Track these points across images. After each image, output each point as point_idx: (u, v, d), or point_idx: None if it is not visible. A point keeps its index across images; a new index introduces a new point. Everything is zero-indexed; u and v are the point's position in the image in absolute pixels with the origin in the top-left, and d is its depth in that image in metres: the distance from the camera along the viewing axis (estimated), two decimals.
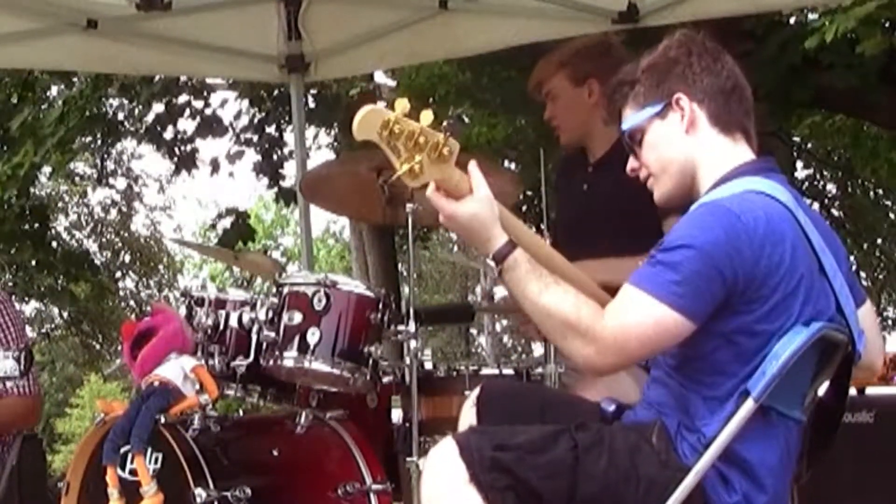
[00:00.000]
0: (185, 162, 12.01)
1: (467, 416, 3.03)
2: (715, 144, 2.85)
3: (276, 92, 10.69)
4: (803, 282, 2.70)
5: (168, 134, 11.85)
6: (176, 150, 11.93)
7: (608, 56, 4.26)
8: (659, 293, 2.61)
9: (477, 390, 3.08)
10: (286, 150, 12.07)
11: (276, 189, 11.95)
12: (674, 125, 2.87)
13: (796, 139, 11.78)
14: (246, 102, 11.74)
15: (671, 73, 2.87)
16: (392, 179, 2.62)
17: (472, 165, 2.80)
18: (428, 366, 3.84)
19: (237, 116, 11.96)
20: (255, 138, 11.94)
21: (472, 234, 2.77)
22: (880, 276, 18.25)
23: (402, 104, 2.63)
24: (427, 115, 2.65)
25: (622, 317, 2.64)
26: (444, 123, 2.69)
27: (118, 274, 25.27)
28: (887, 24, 7.69)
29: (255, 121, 11.90)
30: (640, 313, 2.62)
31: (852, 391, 4.74)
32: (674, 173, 2.90)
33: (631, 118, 2.93)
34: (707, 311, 2.63)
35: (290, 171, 11.86)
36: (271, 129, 11.93)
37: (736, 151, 2.86)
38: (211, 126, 11.54)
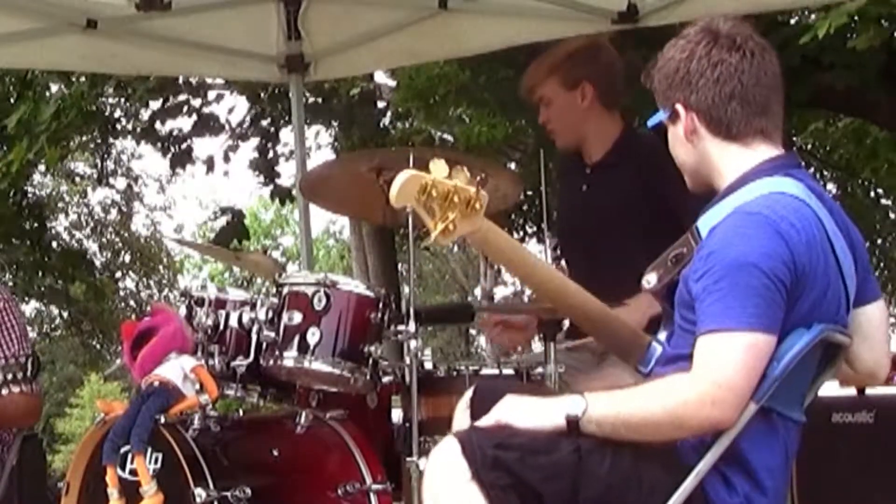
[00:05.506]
0: (180, 159, 11.99)
1: (461, 419, 3.01)
2: (721, 153, 2.82)
3: (273, 90, 10.67)
4: (829, 289, 2.70)
5: (164, 130, 11.84)
6: (171, 147, 11.90)
7: (599, 58, 4.27)
8: (738, 324, 2.57)
9: (469, 392, 3.08)
10: (281, 148, 12.07)
11: (271, 187, 11.93)
12: (679, 132, 2.85)
13: (795, 139, 11.77)
14: (242, 99, 11.73)
15: (673, 80, 2.83)
16: (426, 243, 2.67)
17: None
18: (428, 366, 3.83)
19: (231, 111, 11.97)
20: (251, 135, 11.92)
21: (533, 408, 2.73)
22: (881, 276, 18.25)
23: (440, 167, 2.67)
24: (462, 173, 2.66)
25: (717, 364, 2.58)
26: (478, 178, 2.72)
27: (118, 274, 25.28)
28: (885, 22, 7.69)
29: (251, 117, 11.89)
30: (730, 351, 2.57)
31: (852, 391, 4.76)
32: (690, 174, 2.91)
33: (655, 117, 2.92)
34: (781, 318, 2.62)
35: (285, 169, 11.86)
36: (266, 126, 11.91)
37: (747, 156, 2.80)
38: (208, 124, 11.53)
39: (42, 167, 12.84)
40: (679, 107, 2.83)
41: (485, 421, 2.76)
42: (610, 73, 4.23)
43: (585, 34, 5.04)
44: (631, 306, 3.48)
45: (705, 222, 2.77)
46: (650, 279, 2.84)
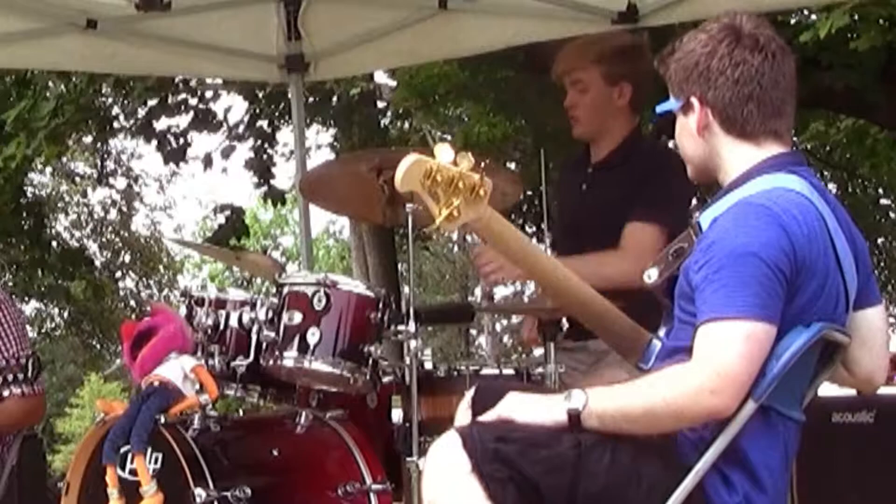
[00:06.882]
0: (176, 155, 11.98)
1: (463, 419, 3.01)
2: (731, 151, 2.82)
3: (271, 90, 10.67)
4: (827, 283, 2.70)
5: (161, 126, 11.83)
6: (167, 143, 11.89)
7: (643, 60, 4.22)
8: (738, 313, 2.57)
9: (471, 391, 3.08)
10: (281, 148, 12.07)
11: (265, 187, 11.92)
12: (691, 124, 2.84)
13: (796, 138, 11.81)
14: (239, 98, 11.73)
15: (692, 73, 2.81)
16: (431, 228, 2.66)
17: None
18: (428, 366, 3.83)
19: (229, 110, 11.97)
20: (248, 134, 11.92)
21: (535, 403, 2.74)
22: (881, 276, 18.27)
23: (445, 151, 2.67)
24: (466, 159, 2.67)
25: (717, 353, 2.57)
26: (482, 164, 2.72)
27: (118, 274, 25.28)
28: (885, 23, 7.70)
29: (248, 118, 11.89)
30: (730, 339, 2.57)
31: (852, 391, 4.75)
32: (695, 166, 2.91)
33: (664, 104, 2.91)
34: (781, 309, 2.62)
35: (284, 169, 11.87)
36: (263, 127, 11.90)
37: (755, 154, 2.80)
38: (206, 120, 11.53)
39: (41, 165, 12.81)
40: (694, 100, 2.82)
41: (487, 417, 2.76)
42: (647, 78, 4.18)
43: (585, 34, 5.03)
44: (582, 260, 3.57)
45: (707, 216, 2.77)
46: (651, 274, 2.85)
